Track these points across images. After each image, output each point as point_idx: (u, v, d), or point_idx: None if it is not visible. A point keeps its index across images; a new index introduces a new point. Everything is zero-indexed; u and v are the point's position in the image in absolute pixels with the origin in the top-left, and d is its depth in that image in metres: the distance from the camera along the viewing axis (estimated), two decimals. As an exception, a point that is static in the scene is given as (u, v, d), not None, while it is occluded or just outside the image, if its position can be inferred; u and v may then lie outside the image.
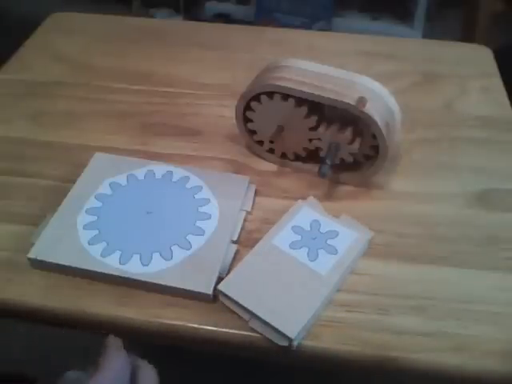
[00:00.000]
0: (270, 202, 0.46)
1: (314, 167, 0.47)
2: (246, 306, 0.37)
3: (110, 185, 0.46)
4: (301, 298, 0.37)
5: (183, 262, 0.40)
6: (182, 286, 0.38)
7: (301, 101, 0.45)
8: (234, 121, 0.49)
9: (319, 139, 0.46)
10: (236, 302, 0.37)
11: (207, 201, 0.45)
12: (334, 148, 0.45)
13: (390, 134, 0.44)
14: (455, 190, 0.47)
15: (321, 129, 0.45)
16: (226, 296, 0.38)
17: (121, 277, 0.39)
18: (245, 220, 0.44)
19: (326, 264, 0.40)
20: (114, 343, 0.34)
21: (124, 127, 0.54)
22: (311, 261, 0.40)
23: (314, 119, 0.45)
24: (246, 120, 0.49)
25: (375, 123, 0.42)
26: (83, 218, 0.43)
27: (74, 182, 0.46)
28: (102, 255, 0.40)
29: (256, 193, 0.47)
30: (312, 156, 0.48)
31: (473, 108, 0.56)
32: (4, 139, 0.53)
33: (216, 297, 0.39)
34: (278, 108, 0.46)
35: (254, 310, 0.36)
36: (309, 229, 0.42)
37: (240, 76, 0.51)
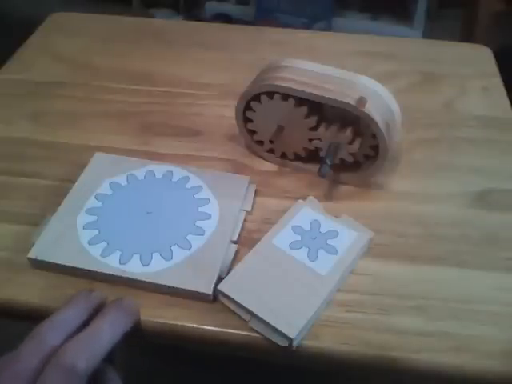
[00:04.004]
0: (270, 202, 0.46)
1: (314, 167, 0.47)
2: (245, 305, 0.37)
3: (110, 185, 0.46)
4: (301, 298, 0.37)
5: (183, 261, 0.40)
6: (181, 286, 0.38)
7: (301, 101, 0.45)
8: (234, 121, 0.49)
9: (319, 139, 0.46)
10: (236, 302, 0.37)
11: (207, 201, 0.45)
12: (334, 148, 0.45)
13: (390, 133, 0.44)
14: (455, 190, 0.47)
15: (321, 129, 0.45)
16: (225, 296, 0.38)
17: (121, 277, 0.39)
18: (245, 220, 0.44)
19: (326, 264, 0.40)
20: None
21: (124, 127, 0.54)
22: (311, 261, 0.40)
23: (314, 119, 0.45)
24: (246, 120, 0.49)
25: (375, 123, 0.42)
26: (83, 218, 0.43)
27: (74, 182, 0.46)
28: (102, 255, 0.40)
29: (256, 193, 0.47)
30: (312, 156, 0.48)
31: (473, 108, 0.56)
32: (4, 139, 0.53)
33: (216, 297, 0.39)
34: (278, 108, 0.46)
35: (254, 310, 0.36)
36: (309, 229, 0.42)
37: (240, 76, 0.51)
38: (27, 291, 0.39)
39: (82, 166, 0.47)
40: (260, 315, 0.36)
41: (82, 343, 0.32)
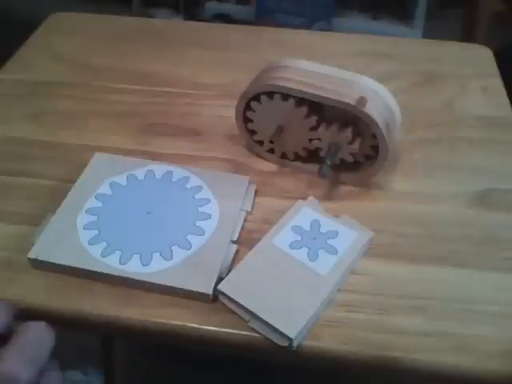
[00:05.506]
0: (270, 202, 0.46)
1: (314, 167, 0.47)
2: (246, 306, 0.37)
3: (110, 185, 0.46)
4: (301, 298, 0.37)
5: (183, 261, 0.40)
6: (181, 286, 0.38)
7: (301, 101, 0.45)
8: (234, 121, 0.49)
9: (319, 139, 0.46)
10: (236, 302, 0.37)
11: (207, 201, 0.45)
12: (334, 148, 0.45)
13: (390, 134, 0.44)
14: (455, 190, 0.47)
15: (321, 129, 0.45)
16: (226, 296, 0.38)
17: (121, 277, 0.39)
18: (245, 220, 0.44)
19: (326, 264, 0.40)
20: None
21: (124, 127, 0.54)
22: (311, 261, 0.40)
23: (313, 119, 0.45)
24: (246, 120, 0.49)
25: (375, 123, 0.42)
26: (83, 218, 0.43)
27: (74, 182, 0.46)
28: (102, 255, 0.40)
29: (256, 193, 0.47)
30: (312, 156, 0.48)
31: (473, 108, 0.56)
32: (4, 139, 0.53)
33: (216, 297, 0.39)
34: (278, 108, 0.46)
35: (254, 310, 0.36)
36: (309, 229, 0.42)
37: (240, 76, 0.51)
38: (27, 291, 0.39)
39: (82, 166, 0.47)
40: (260, 315, 0.36)
41: (22, 352, 0.30)
